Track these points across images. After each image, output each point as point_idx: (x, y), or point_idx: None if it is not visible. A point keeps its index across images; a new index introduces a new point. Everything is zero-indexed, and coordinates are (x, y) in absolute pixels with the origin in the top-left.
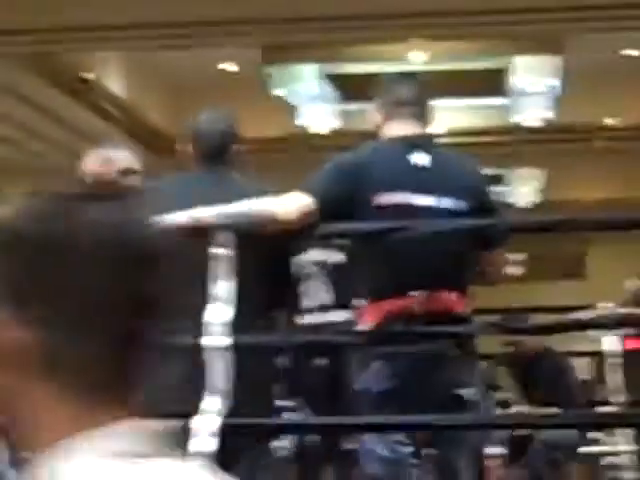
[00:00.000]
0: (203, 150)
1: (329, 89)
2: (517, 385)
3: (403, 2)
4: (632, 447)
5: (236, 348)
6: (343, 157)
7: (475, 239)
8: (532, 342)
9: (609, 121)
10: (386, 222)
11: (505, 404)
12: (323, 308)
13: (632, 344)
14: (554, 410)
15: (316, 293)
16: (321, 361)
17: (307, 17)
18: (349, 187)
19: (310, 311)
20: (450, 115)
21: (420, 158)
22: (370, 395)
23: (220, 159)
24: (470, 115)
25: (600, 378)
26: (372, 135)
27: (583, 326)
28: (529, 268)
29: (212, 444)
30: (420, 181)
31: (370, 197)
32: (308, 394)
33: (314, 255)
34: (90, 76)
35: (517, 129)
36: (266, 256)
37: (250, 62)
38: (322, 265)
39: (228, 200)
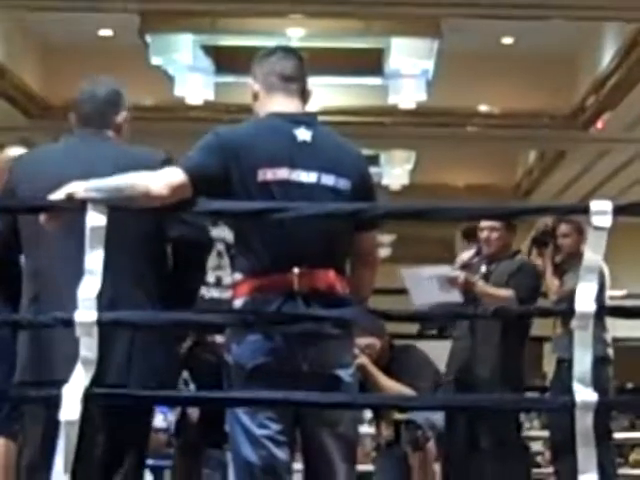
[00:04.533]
0: (80, 116)
1: (205, 60)
2: None
3: None
4: None
5: (104, 323)
6: (223, 132)
7: (354, 220)
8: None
9: (483, 107)
10: (266, 202)
11: None
12: (218, 284)
13: None
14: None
15: (216, 268)
16: (217, 337)
17: None
18: (228, 163)
19: (207, 285)
20: (325, 93)
21: (304, 134)
22: (244, 370)
23: (97, 126)
24: (345, 94)
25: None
26: (247, 109)
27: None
28: (397, 250)
29: (76, 413)
30: (304, 157)
31: (253, 173)
32: (195, 369)
33: (221, 231)
34: None
35: (392, 110)
36: (142, 230)
37: (128, 29)
38: (225, 242)
39: (101, 166)
